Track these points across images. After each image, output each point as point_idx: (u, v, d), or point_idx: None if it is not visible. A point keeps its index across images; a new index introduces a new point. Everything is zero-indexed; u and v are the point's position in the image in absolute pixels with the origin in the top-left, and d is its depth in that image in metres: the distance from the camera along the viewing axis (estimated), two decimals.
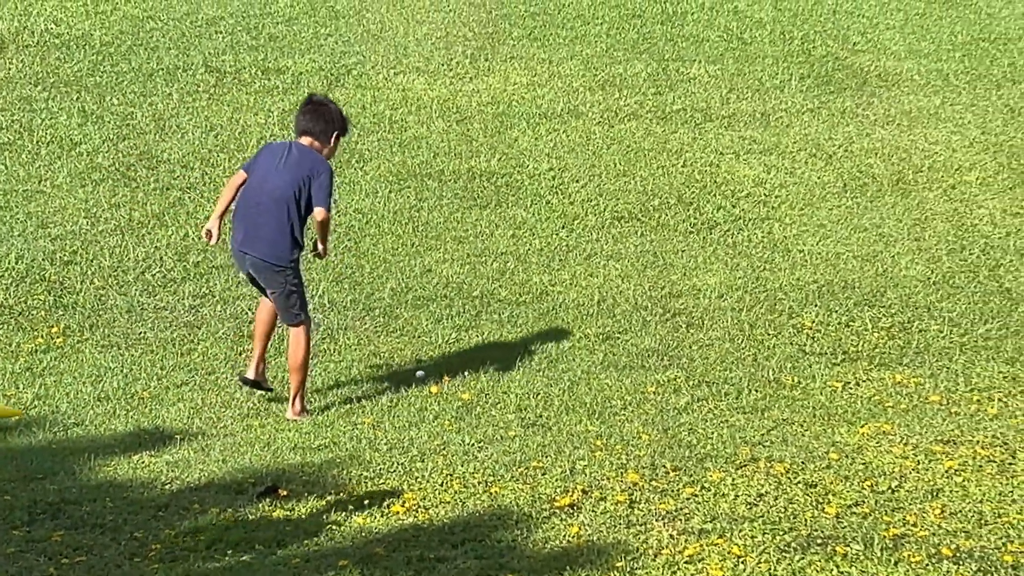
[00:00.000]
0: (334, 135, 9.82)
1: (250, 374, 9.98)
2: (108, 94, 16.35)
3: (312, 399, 10.08)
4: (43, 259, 12.49)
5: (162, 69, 17.18)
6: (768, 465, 8.41)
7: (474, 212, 13.68)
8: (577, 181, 14.46)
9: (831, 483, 8.15)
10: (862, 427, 9.19)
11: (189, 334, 11.12)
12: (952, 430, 9.15)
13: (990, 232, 13.47)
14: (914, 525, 7.59)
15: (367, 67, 17.56)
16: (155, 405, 9.94)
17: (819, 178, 14.71)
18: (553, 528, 7.49)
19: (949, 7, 20.74)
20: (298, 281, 9.72)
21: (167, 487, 8.20)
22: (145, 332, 11.16)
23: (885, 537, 7.38)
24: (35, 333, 11.24)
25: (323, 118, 9.81)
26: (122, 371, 10.49)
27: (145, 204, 13.41)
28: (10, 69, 17.01)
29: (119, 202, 13.54)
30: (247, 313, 11.47)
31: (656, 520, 7.60)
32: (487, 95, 16.81)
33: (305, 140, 9.76)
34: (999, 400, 9.86)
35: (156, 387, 10.24)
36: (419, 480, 8.15)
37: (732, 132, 15.90)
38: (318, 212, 9.54)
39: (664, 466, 8.40)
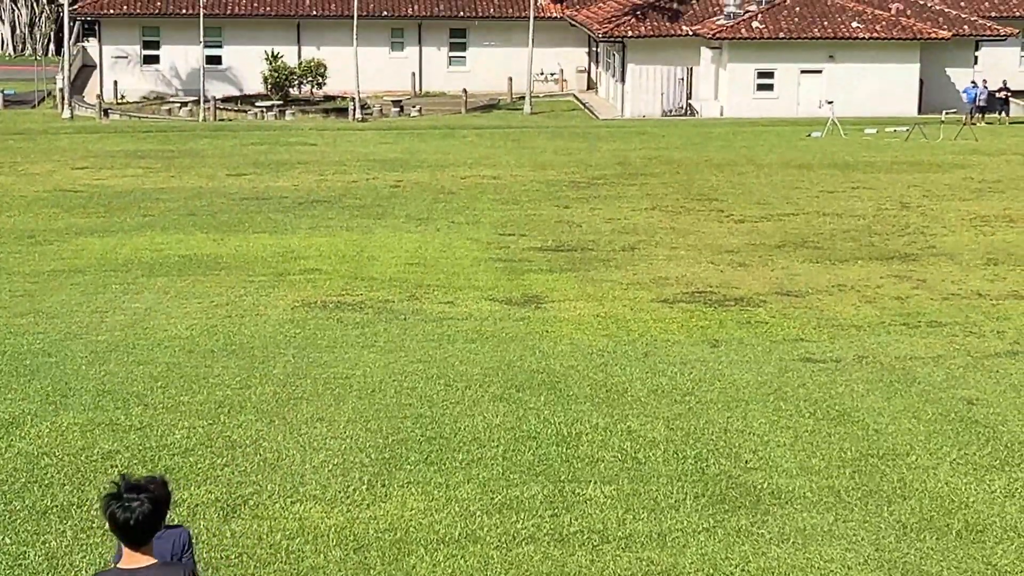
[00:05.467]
0: None
1: None
2: (0, 534, 16.20)
3: None
4: None
5: (56, 506, 17.08)
6: None
7: None
8: None
9: None
10: None
11: None
12: None
13: None
14: None
15: (263, 496, 17.56)
16: None
17: None
18: None
19: (837, 424, 21.19)
20: None
21: None
22: None
23: None
24: None
25: None
26: None
27: None
28: None
29: None
30: None
31: None
32: (384, 522, 16.81)
33: None
34: None
35: None
36: None
37: (629, 553, 15.93)
38: None
39: None
